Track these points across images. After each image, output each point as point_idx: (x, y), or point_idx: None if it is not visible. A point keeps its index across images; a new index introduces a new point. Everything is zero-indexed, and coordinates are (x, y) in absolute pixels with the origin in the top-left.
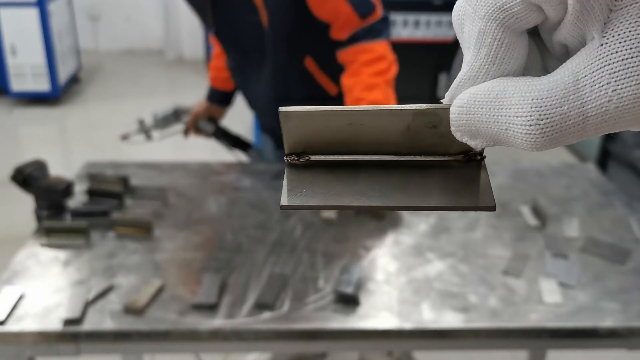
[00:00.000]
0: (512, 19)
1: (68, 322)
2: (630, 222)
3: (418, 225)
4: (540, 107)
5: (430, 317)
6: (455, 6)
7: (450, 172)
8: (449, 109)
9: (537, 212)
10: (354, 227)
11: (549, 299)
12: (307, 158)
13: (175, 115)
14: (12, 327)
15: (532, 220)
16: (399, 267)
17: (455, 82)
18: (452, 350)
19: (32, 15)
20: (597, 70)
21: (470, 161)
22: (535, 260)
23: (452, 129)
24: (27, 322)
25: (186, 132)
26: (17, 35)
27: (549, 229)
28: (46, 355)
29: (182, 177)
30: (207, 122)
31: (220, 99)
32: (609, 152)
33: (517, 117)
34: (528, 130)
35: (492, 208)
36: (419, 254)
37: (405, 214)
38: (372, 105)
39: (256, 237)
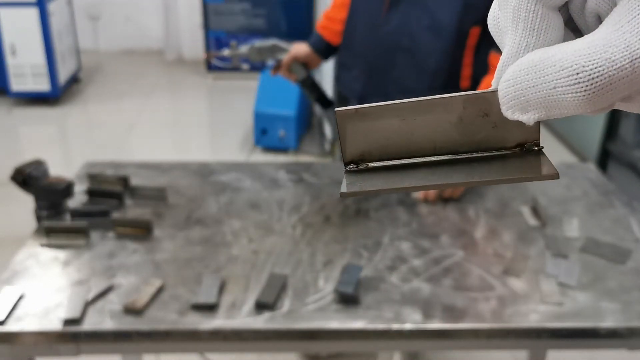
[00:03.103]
0: None
1: (68, 322)
2: (630, 222)
3: (418, 225)
4: (584, 55)
5: (430, 317)
6: (489, 12)
7: (509, 159)
8: (494, 92)
9: (537, 212)
10: (354, 226)
11: (549, 299)
12: (365, 165)
13: (272, 50)
14: (12, 327)
15: (532, 220)
16: (399, 266)
17: (500, 64)
18: (452, 350)
19: (32, 15)
20: (634, 17)
21: (528, 152)
22: (535, 260)
23: (503, 108)
24: (27, 322)
25: (276, 69)
26: (17, 35)
27: (549, 229)
28: (46, 355)
29: (182, 177)
30: (302, 67)
31: (323, 49)
32: (609, 152)
33: (562, 70)
34: (576, 79)
35: (555, 176)
36: (419, 253)
37: (405, 213)
38: (421, 97)
39: (256, 237)
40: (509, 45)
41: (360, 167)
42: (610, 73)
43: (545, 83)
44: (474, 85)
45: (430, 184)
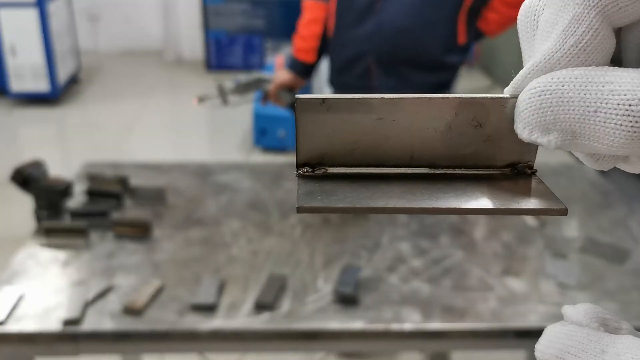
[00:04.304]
0: (615, 8)
1: (67, 322)
2: (629, 223)
3: (417, 225)
4: None
5: (430, 317)
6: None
7: (499, 183)
8: (498, 99)
9: None
10: (353, 227)
11: (548, 299)
12: (323, 170)
13: (257, 83)
14: (11, 327)
15: (532, 221)
16: (399, 267)
17: (524, 71)
18: (452, 350)
19: (31, 15)
20: None
21: (519, 175)
22: (534, 260)
23: (519, 125)
24: (26, 322)
25: (265, 98)
26: (16, 35)
27: (549, 229)
28: (46, 355)
29: (181, 177)
30: (288, 92)
31: (303, 70)
32: None
33: (612, 94)
34: (627, 110)
35: (564, 212)
36: (418, 254)
37: (402, 214)
38: (406, 94)
39: (256, 237)
40: (546, 54)
41: (317, 171)
42: None
43: (585, 102)
44: (470, 39)
45: (411, 207)
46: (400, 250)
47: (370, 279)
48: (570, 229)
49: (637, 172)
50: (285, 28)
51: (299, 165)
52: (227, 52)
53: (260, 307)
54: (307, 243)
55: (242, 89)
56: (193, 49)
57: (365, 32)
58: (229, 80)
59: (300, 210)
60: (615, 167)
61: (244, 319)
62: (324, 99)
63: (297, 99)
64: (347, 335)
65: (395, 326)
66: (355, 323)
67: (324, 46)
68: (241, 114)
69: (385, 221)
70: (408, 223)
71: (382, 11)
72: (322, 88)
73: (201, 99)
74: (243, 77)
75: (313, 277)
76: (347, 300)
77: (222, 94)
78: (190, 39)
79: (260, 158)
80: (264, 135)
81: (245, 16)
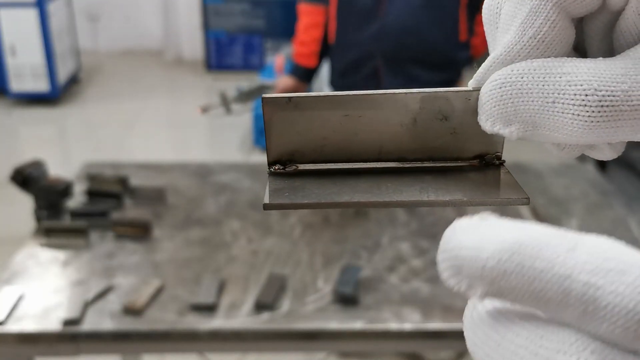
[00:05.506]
0: (570, 0)
1: (67, 322)
2: (629, 223)
3: (417, 225)
4: (600, 76)
5: (430, 317)
6: None
7: (466, 174)
8: (461, 93)
9: (536, 212)
10: (353, 227)
11: None
12: (294, 167)
13: (259, 90)
14: (11, 327)
15: (531, 220)
16: (398, 266)
17: (485, 64)
18: (452, 351)
19: (31, 15)
20: None
21: (487, 166)
22: None
23: (482, 116)
24: (26, 322)
25: None
26: (16, 35)
27: None
28: (46, 355)
29: (181, 177)
30: None
31: (305, 75)
32: None
33: (569, 85)
34: (583, 100)
35: (526, 201)
36: (418, 253)
37: (404, 213)
38: (372, 91)
39: (256, 237)
40: (506, 47)
41: (288, 168)
42: (622, 107)
43: (543, 93)
44: (470, 35)
45: (375, 200)
46: (400, 250)
47: (370, 279)
48: (570, 229)
49: (605, 159)
50: (285, 28)
51: (270, 163)
52: (227, 52)
53: (260, 307)
54: (307, 243)
55: (245, 97)
56: (193, 49)
57: (370, 33)
58: (230, 87)
59: (266, 207)
60: (615, 167)
61: (244, 319)
62: (290, 98)
63: (262, 98)
64: (347, 335)
65: (395, 326)
66: (355, 323)
67: (325, 49)
68: (241, 114)
69: (385, 221)
70: (408, 223)
71: (387, 12)
72: (322, 90)
73: (205, 109)
74: (245, 85)
75: (313, 277)
76: (347, 300)
77: (225, 102)
78: (190, 39)
79: (260, 158)
80: (263, 135)
81: (245, 16)
